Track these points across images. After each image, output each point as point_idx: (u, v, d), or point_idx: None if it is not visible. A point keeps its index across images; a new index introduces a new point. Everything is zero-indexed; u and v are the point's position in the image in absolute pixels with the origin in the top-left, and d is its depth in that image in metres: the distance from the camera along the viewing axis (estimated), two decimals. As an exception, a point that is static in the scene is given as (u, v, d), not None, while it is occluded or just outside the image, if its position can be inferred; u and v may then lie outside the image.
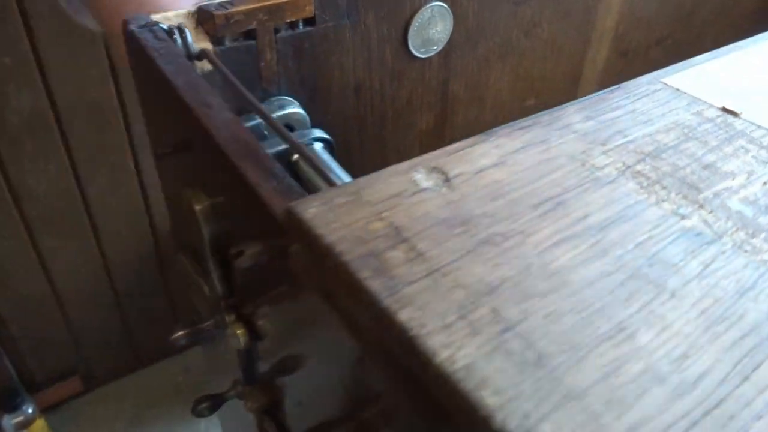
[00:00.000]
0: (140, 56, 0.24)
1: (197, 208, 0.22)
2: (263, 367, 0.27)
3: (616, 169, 0.15)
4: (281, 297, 0.21)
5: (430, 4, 0.32)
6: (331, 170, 0.18)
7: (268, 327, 0.24)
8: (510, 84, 0.40)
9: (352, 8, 0.30)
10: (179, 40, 0.24)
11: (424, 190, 0.14)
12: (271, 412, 0.26)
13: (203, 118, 0.19)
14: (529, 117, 0.16)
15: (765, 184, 0.14)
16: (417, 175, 0.14)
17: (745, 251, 0.13)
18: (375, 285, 0.11)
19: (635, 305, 0.11)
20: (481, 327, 0.11)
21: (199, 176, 0.22)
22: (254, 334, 0.24)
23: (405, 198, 0.14)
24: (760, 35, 0.22)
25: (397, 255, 0.12)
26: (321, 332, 0.16)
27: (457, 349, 0.10)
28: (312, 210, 0.13)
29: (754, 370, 0.10)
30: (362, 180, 0.14)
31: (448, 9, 0.33)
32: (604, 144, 0.15)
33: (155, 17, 0.25)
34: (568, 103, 0.17)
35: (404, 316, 0.11)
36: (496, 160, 0.15)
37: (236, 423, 0.36)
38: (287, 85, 0.30)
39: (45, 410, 1.29)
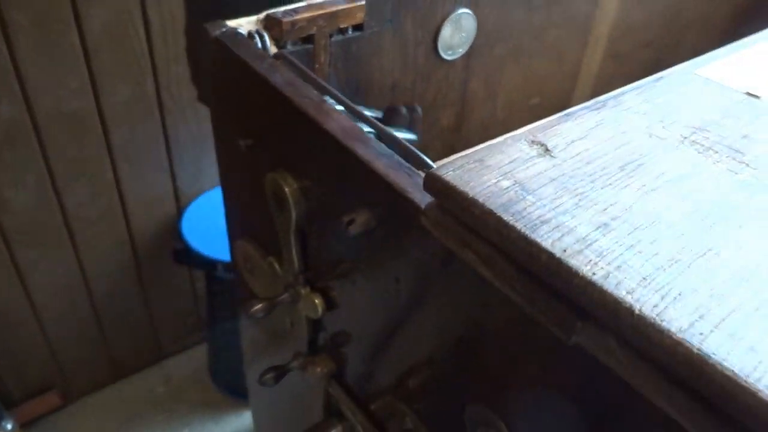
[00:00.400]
0: (227, 59, 0.26)
1: (287, 189, 0.25)
2: (324, 337, 0.30)
3: (676, 139, 0.18)
4: (355, 270, 0.24)
5: (458, 12, 0.36)
6: (411, 151, 0.21)
7: (341, 297, 0.27)
8: (520, 84, 0.44)
9: (394, 14, 0.33)
10: (259, 44, 0.27)
11: (532, 157, 0.17)
12: (337, 376, 0.29)
13: (309, 109, 0.22)
14: (595, 101, 0.20)
15: None
16: (523, 146, 0.18)
17: None
18: (518, 225, 0.15)
19: (716, 232, 0.15)
20: (607, 247, 0.14)
21: (288, 163, 0.25)
22: (329, 303, 0.27)
23: (520, 163, 0.17)
24: (761, 33, 0.26)
25: (527, 204, 0.16)
26: (413, 293, 0.19)
27: (595, 266, 0.14)
28: (450, 173, 0.16)
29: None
30: (481, 151, 0.17)
31: (473, 15, 0.37)
32: (662, 121, 0.19)
33: (231, 24, 0.28)
34: (624, 90, 0.21)
35: (547, 244, 0.14)
36: (581, 134, 0.18)
37: (282, 404, 0.38)
38: (335, 84, 0.33)
39: (24, 425, 1.28)
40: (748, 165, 0.17)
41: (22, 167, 1.23)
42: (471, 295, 0.18)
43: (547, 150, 0.18)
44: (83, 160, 1.29)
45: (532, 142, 0.18)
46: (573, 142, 0.18)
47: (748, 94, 0.21)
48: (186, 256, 1.32)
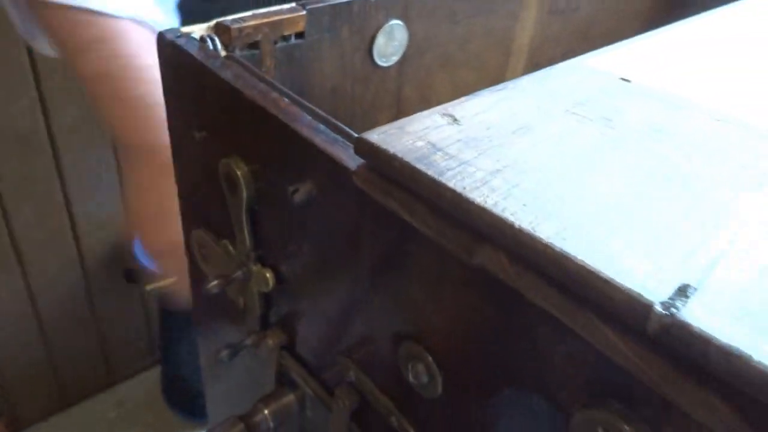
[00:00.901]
0: (178, 59, 0.30)
1: (239, 172, 0.28)
2: (275, 313, 0.33)
3: (559, 111, 0.23)
4: (301, 242, 0.27)
5: (390, 23, 0.40)
6: (343, 129, 0.25)
7: (290, 271, 0.30)
8: (449, 90, 0.48)
9: (332, 24, 0.37)
10: (210, 47, 0.31)
11: (442, 125, 0.21)
12: (288, 348, 0.32)
13: (257, 98, 0.25)
14: (499, 85, 0.24)
15: (652, 115, 0.23)
16: (435, 117, 0.22)
17: (646, 144, 0.21)
18: (429, 171, 0.19)
19: (586, 172, 0.19)
20: (498, 186, 0.18)
21: (239, 150, 0.28)
22: (279, 277, 0.30)
23: (432, 129, 0.21)
24: (639, 36, 0.31)
25: (437, 157, 0.19)
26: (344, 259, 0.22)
27: (487, 197, 0.18)
28: (375, 137, 0.20)
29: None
30: (400, 121, 0.21)
31: (405, 26, 0.41)
32: (549, 98, 0.23)
33: (184, 30, 0.32)
34: (522, 77, 0.25)
35: (451, 184, 0.18)
36: (483, 108, 0.22)
37: (237, 383, 0.41)
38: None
39: (-31, 459, 1.24)
40: (614, 129, 0.22)
41: (-36, 190, 1.20)
42: (396, 243, 0.21)
43: (455, 120, 0.21)
44: (32, 181, 1.28)
45: (443, 114, 0.22)
46: (477, 114, 0.22)
47: (622, 78, 0.25)
48: (138, 274, 1.31)
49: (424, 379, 0.23)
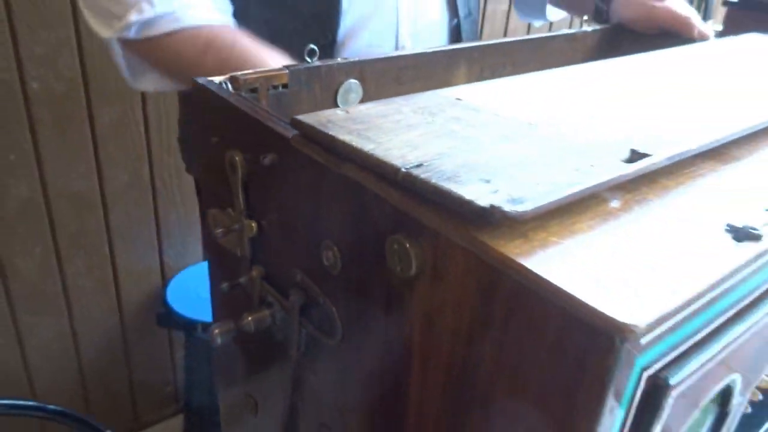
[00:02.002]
0: (207, 94, 0.49)
1: (237, 158, 0.47)
2: (259, 257, 0.50)
3: (410, 111, 0.41)
4: (271, 201, 0.45)
5: (349, 81, 0.60)
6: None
7: (268, 224, 0.48)
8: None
9: (308, 80, 0.57)
10: (226, 88, 0.50)
11: (339, 114, 0.40)
12: (266, 278, 0.50)
13: (252, 113, 0.45)
14: (387, 99, 0.43)
15: (459, 113, 0.41)
16: (337, 111, 0.40)
17: (452, 126, 0.38)
18: (325, 130, 0.37)
19: (424, 128, 0.37)
20: (356, 133, 0.36)
21: (239, 146, 0.47)
22: (260, 227, 0.48)
23: (332, 115, 0.39)
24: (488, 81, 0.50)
25: (337, 129, 0.38)
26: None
27: (350, 139, 0.36)
28: (301, 117, 0.39)
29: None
30: (317, 113, 0.40)
31: (359, 84, 0.61)
32: (409, 106, 0.42)
33: (209, 79, 0.51)
34: (401, 98, 0.44)
35: (347, 140, 0.36)
36: (368, 108, 0.41)
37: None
38: (273, 120, 0.56)
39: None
40: (434, 117, 0.40)
41: (32, 239, 1.45)
42: (314, 178, 0.39)
43: (347, 112, 0.40)
44: (84, 235, 1.51)
45: (341, 110, 0.41)
46: (362, 109, 0.41)
47: (457, 98, 0.44)
48: (168, 318, 1.50)
49: (332, 260, 0.40)
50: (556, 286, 0.26)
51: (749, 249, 0.30)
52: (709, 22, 1.44)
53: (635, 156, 0.35)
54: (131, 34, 0.70)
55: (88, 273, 1.56)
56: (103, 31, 0.72)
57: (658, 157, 0.35)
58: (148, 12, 0.67)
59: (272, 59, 0.65)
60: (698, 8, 1.56)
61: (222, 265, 0.54)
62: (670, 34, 0.84)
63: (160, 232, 1.63)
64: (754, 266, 0.31)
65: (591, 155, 0.35)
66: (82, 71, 1.34)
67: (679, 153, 0.37)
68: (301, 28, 0.78)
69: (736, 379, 0.37)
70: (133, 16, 0.67)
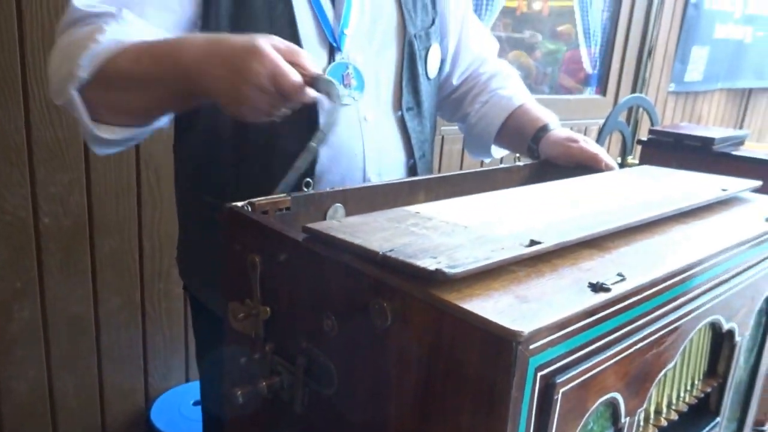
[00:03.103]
0: (235, 213, 0.67)
1: (256, 259, 0.64)
2: (270, 335, 0.66)
3: (388, 222, 0.59)
4: (278, 294, 0.62)
5: (335, 204, 0.79)
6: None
7: (275, 308, 0.64)
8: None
9: (304, 205, 0.76)
10: (247, 208, 0.68)
11: (334, 223, 0.58)
12: (276, 352, 0.65)
13: (264, 222, 0.62)
14: (366, 214, 0.61)
15: (417, 221, 0.59)
16: (334, 222, 0.58)
17: (412, 229, 0.57)
18: (332, 233, 0.55)
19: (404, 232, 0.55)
20: (340, 229, 0.54)
21: (256, 250, 0.64)
22: (272, 311, 0.64)
23: (331, 224, 0.57)
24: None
25: (335, 232, 0.56)
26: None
27: (333, 231, 0.53)
28: (311, 226, 0.56)
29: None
30: (320, 223, 0.58)
31: (343, 207, 0.80)
32: (383, 217, 0.60)
33: (233, 204, 0.70)
34: (376, 213, 0.62)
35: (343, 237, 0.54)
36: (354, 220, 0.59)
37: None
38: (277, 234, 0.74)
39: None
40: (398, 223, 0.58)
41: (28, 362, 1.55)
42: (318, 272, 0.56)
43: (340, 221, 0.58)
44: (77, 356, 1.62)
45: (333, 219, 0.59)
46: (349, 219, 0.59)
47: (416, 212, 0.62)
48: (155, 438, 1.58)
49: (331, 326, 0.56)
50: (477, 315, 0.43)
51: (601, 296, 0.48)
52: (629, 156, 1.73)
53: (532, 243, 0.53)
54: (85, 74, 0.80)
55: (76, 393, 1.63)
56: (65, 89, 0.81)
57: (547, 244, 0.54)
58: (93, 47, 0.81)
59: (190, 41, 0.81)
60: (622, 145, 1.85)
61: (238, 344, 0.69)
62: (584, 166, 1.06)
63: (146, 354, 1.73)
64: (609, 309, 0.49)
65: (503, 243, 0.53)
66: (88, 207, 1.52)
67: (562, 242, 0.55)
68: (280, 169, 0.97)
69: (617, 397, 0.53)
70: (83, 58, 0.80)
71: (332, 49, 1.02)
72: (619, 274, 0.52)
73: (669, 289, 0.57)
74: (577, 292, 0.49)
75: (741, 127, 3.85)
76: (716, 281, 0.65)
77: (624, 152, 1.75)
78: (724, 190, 0.82)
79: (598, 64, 2.83)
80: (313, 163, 0.99)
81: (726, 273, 0.67)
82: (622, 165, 1.71)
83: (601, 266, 0.55)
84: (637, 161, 1.66)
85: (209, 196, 0.95)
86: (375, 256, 0.50)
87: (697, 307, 0.62)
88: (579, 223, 0.62)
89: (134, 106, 0.85)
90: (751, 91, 3.86)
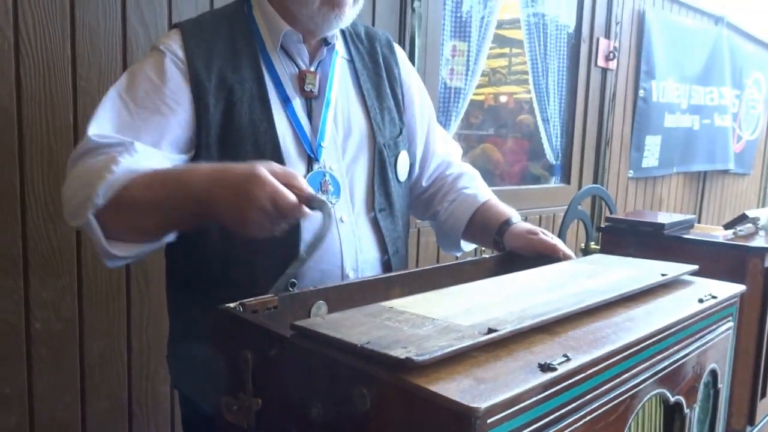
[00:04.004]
0: (229, 312, 0.75)
1: (249, 355, 0.71)
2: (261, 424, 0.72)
3: (365, 317, 0.68)
4: (269, 387, 0.69)
5: (318, 302, 0.87)
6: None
7: (266, 400, 0.71)
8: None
9: (291, 301, 0.84)
10: (240, 309, 0.76)
11: (317, 317, 0.66)
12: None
13: (255, 321, 0.70)
14: (346, 311, 0.70)
15: (391, 315, 0.68)
16: (318, 319, 0.66)
17: (386, 322, 0.65)
18: (316, 329, 0.63)
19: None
20: (323, 325, 0.62)
21: (248, 347, 0.72)
22: (264, 402, 0.71)
23: (315, 321, 0.66)
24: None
25: (319, 327, 0.64)
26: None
27: (317, 327, 0.62)
28: (297, 323, 0.65)
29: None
30: (306, 320, 0.66)
31: (325, 303, 0.88)
32: (366, 314, 0.69)
33: (227, 306, 0.77)
34: (355, 309, 0.71)
35: (327, 333, 0.62)
36: (336, 316, 0.67)
37: None
38: (266, 331, 0.82)
39: None
40: (374, 317, 0.67)
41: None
42: (305, 365, 0.64)
43: (324, 318, 0.66)
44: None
45: (318, 315, 0.67)
46: (336, 316, 0.67)
47: (390, 307, 0.71)
48: None
49: (317, 413, 0.63)
50: (442, 395, 0.51)
51: (548, 375, 0.57)
52: (591, 242, 1.85)
53: (490, 331, 0.62)
54: (101, 201, 0.90)
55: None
56: (83, 213, 0.90)
57: (503, 332, 0.62)
58: (109, 178, 0.91)
59: (197, 170, 0.92)
60: (585, 232, 1.98)
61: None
62: (544, 256, 1.17)
63: (133, 457, 1.72)
64: (557, 386, 0.57)
65: (465, 332, 0.62)
66: (79, 312, 1.58)
67: (516, 329, 0.64)
68: (266, 270, 1.06)
69: (573, 466, 0.60)
70: (100, 188, 0.91)
71: (310, 160, 1.14)
72: (565, 355, 0.61)
73: (611, 366, 0.65)
74: (529, 372, 0.58)
75: (701, 207, 4.06)
76: (656, 358, 0.74)
77: (587, 238, 1.88)
78: (663, 275, 0.92)
79: (560, 155, 3.03)
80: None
81: (665, 350, 0.76)
82: (585, 250, 1.83)
83: (550, 349, 0.64)
84: (599, 246, 1.78)
85: (199, 297, 1.03)
86: (354, 349, 0.59)
87: (640, 383, 0.71)
88: (533, 312, 0.71)
89: (146, 227, 0.96)
90: (705, 173, 4.10)
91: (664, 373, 0.75)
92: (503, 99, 3.29)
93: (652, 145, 3.63)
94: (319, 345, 0.63)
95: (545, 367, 0.58)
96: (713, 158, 4.19)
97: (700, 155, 4.09)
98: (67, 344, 1.57)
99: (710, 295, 0.87)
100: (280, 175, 0.86)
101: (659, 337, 0.74)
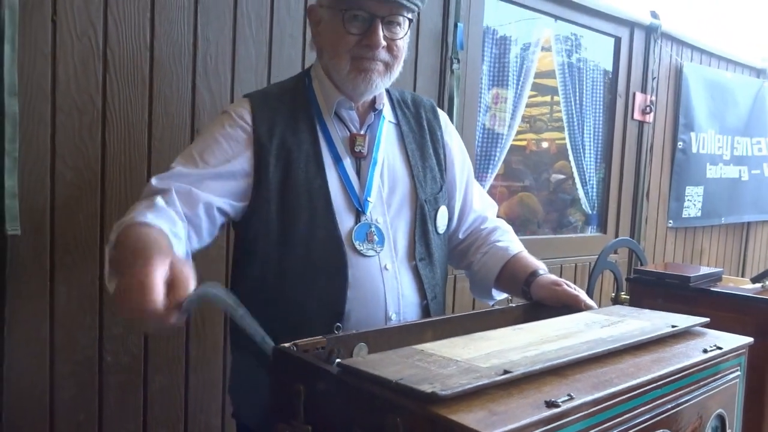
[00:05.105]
0: (284, 351, 0.88)
1: (301, 388, 0.84)
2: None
3: (399, 357, 0.80)
4: (318, 416, 0.81)
5: (360, 344, 1.00)
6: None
7: (318, 426, 0.83)
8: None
9: (336, 344, 0.97)
10: (293, 348, 0.90)
11: (359, 359, 0.78)
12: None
13: (306, 359, 0.83)
14: (382, 352, 0.82)
15: (421, 356, 0.79)
16: (359, 358, 0.79)
17: (417, 363, 0.77)
18: (358, 367, 0.75)
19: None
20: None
21: (302, 380, 0.84)
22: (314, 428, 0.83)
23: (356, 360, 0.78)
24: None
25: (360, 365, 0.76)
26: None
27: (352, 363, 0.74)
28: (342, 362, 0.77)
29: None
30: (349, 359, 0.78)
31: (366, 345, 1.01)
32: (400, 356, 0.81)
33: (284, 345, 0.91)
34: (391, 351, 0.83)
35: (366, 370, 0.75)
36: (374, 356, 0.80)
37: None
38: (315, 368, 0.94)
39: None
40: (421, 360, 0.79)
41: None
42: (348, 397, 0.76)
43: (364, 358, 0.79)
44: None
45: (363, 358, 0.79)
46: (374, 357, 0.79)
47: (421, 350, 0.83)
48: None
49: (358, 438, 0.75)
50: (460, 423, 0.63)
51: (553, 410, 0.68)
52: (621, 292, 1.92)
53: (505, 372, 0.74)
54: (113, 237, 1.05)
55: None
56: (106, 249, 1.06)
57: (515, 374, 0.74)
58: (122, 220, 1.07)
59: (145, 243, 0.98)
60: (615, 283, 2.05)
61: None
62: (568, 305, 1.27)
63: (189, 485, 1.85)
64: (560, 421, 0.68)
65: (483, 372, 0.74)
66: (144, 347, 1.74)
67: (528, 371, 0.75)
68: (314, 311, 1.19)
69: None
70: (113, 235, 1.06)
71: (358, 213, 1.29)
72: (569, 395, 0.72)
73: (612, 407, 0.76)
74: (536, 407, 0.69)
75: (744, 258, 4.03)
76: (658, 402, 0.83)
77: (617, 288, 1.95)
78: (673, 326, 1.01)
79: (596, 204, 3.11)
80: (343, 303, 1.22)
81: (667, 395, 0.85)
82: (615, 299, 1.90)
83: (557, 389, 0.74)
84: (628, 296, 1.85)
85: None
86: (389, 384, 0.71)
87: (641, 423, 0.80)
88: (545, 357, 0.82)
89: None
90: (749, 224, 4.08)
91: (665, 415, 0.84)
92: (545, 144, 3.40)
93: (694, 195, 3.66)
94: (360, 380, 0.75)
95: (550, 404, 0.69)
96: (761, 208, 4.17)
97: (749, 205, 4.08)
98: (132, 377, 1.73)
99: (715, 345, 0.96)
100: (174, 277, 0.87)
101: (660, 383, 0.83)
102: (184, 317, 0.87)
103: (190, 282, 0.88)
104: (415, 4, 1.23)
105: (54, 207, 1.56)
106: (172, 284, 0.85)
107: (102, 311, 1.66)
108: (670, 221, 3.48)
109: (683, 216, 3.59)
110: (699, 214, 3.71)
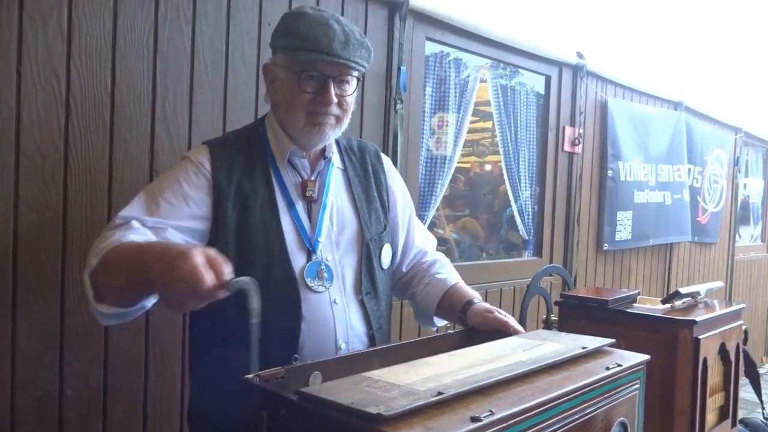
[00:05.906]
0: (248, 385, 1.00)
1: (265, 415, 0.96)
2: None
3: (350, 384, 0.93)
4: None
5: (315, 372, 1.13)
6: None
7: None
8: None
9: (294, 375, 1.09)
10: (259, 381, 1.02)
11: (316, 387, 0.92)
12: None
13: (275, 390, 0.96)
14: (336, 380, 0.95)
15: (369, 383, 0.93)
16: (315, 387, 0.92)
17: (365, 389, 0.90)
18: (314, 394, 0.88)
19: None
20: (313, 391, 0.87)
21: (264, 408, 0.97)
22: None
23: (313, 388, 0.91)
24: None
25: (317, 392, 0.89)
26: None
27: (315, 391, 0.87)
28: (302, 389, 0.90)
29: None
30: (308, 388, 0.91)
31: (321, 374, 1.13)
32: (351, 383, 0.94)
33: (249, 375, 1.03)
34: (342, 379, 0.96)
35: (322, 396, 0.88)
36: (328, 384, 0.93)
37: None
38: (276, 396, 1.06)
39: None
40: (368, 386, 0.92)
41: None
42: (308, 421, 0.89)
43: (320, 386, 0.92)
44: None
45: (319, 386, 0.92)
46: (328, 384, 0.92)
47: (368, 377, 0.97)
48: None
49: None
50: (401, 438, 0.77)
51: (476, 424, 0.82)
52: (551, 315, 2.11)
53: (438, 394, 0.88)
54: (94, 262, 1.15)
55: None
56: (83, 275, 1.16)
57: (447, 395, 0.88)
58: (103, 246, 1.16)
59: (154, 246, 1.16)
60: (546, 306, 2.23)
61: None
62: (498, 331, 1.43)
63: None
64: (483, 432, 0.83)
65: (420, 395, 0.88)
66: (104, 380, 1.80)
67: (458, 392, 0.90)
68: (274, 345, 1.31)
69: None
70: (96, 253, 1.16)
71: (309, 252, 1.42)
72: (490, 410, 0.87)
73: (527, 419, 0.91)
74: (463, 422, 0.83)
75: (668, 276, 4.34)
76: (568, 413, 0.99)
77: (548, 311, 2.14)
78: (583, 347, 1.19)
79: (532, 230, 3.33)
80: (298, 336, 1.34)
81: (576, 407, 1.01)
82: (546, 321, 2.09)
83: (482, 407, 0.89)
84: (557, 318, 2.04)
85: (217, 364, 1.28)
86: (342, 407, 0.84)
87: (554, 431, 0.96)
88: (473, 379, 0.97)
89: (115, 288, 1.18)
90: (672, 245, 4.41)
91: (574, 423, 1.00)
92: (488, 167, 3.60)
93: (624, 219, 3.94)
94: (317, 405, 0.88)
95: (474, 419, 0.84)
96: (680, 230, 4.51)
97: (672, 227, 4.41)
98: (92, 409, 1.79)
99: (617, 363, 1.13)
100: (210, 259, 1.02)
101: (569, 397, 1.00)
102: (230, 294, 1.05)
103: (227, 262, 1.04)
104: (363, 66, 1.39)
105: (17, 247, 1.63)
106: (211, 265, 1.01)
107: (63, 347, 1.72)
108: (606, 244, 3.74)
109: (616, 239, 3.87)
110: (630, 237, 4.00)
